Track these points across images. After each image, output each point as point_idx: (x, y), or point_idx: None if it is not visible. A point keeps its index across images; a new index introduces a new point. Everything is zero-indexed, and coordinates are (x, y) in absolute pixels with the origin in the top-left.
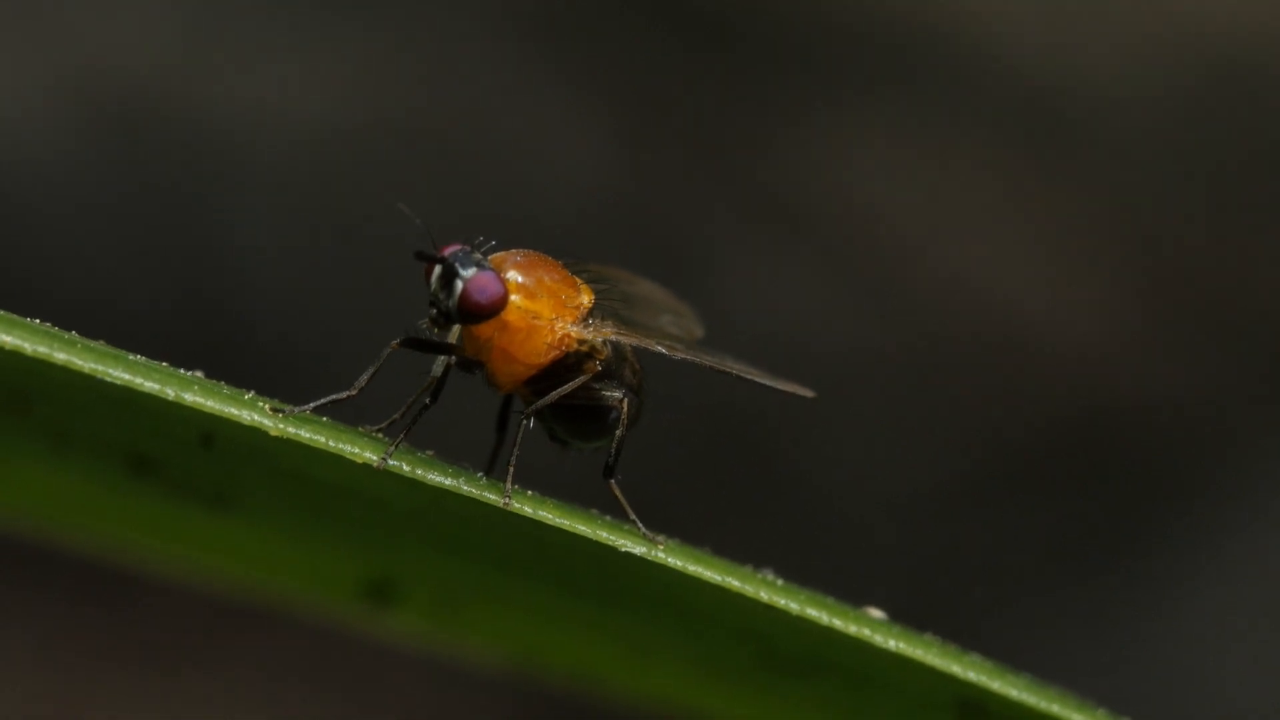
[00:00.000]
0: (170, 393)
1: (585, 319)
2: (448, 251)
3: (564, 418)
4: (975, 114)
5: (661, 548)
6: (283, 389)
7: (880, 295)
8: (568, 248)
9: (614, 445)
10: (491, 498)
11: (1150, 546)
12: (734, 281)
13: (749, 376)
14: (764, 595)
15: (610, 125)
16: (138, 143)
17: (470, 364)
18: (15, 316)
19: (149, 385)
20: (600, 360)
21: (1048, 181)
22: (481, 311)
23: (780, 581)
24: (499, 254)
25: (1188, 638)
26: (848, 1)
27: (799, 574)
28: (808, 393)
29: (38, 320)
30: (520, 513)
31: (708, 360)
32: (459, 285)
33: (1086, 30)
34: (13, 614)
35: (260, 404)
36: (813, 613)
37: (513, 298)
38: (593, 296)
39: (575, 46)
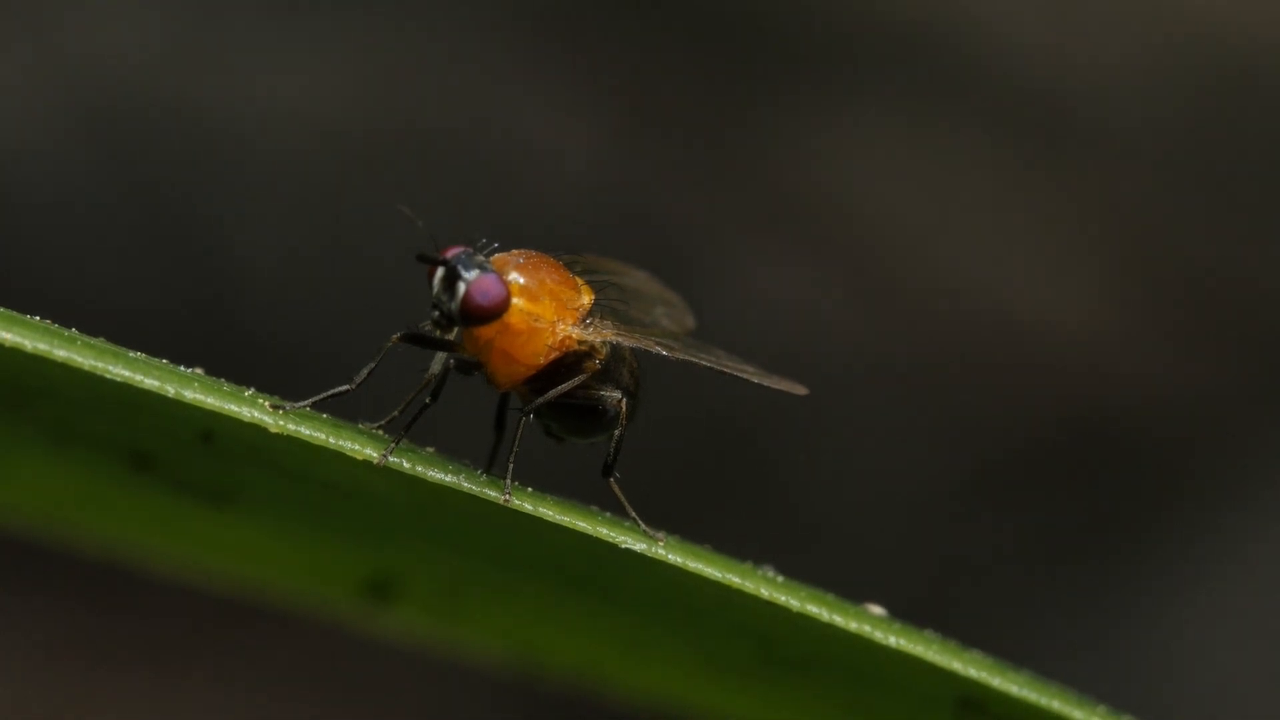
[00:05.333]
0: (170, 390)
1: (585, 320)
2: (450, 254)
3: (561, 416)
4: (976, 113)
5: (661, 544)
6: (283, 386)
7: (880, 294)
8: (567, 244)
9: (613, 444)
10: (492, 494)
11: (1150, 544)
12: (732, 278)
13: (742, 374)
14: (764, 592)
15: (610, 124)
16: (137, 141)
17: (469, 365)
18: (15, 313)
19: (149, 382)
20: (599, 360)
21: (1049, 181)
22: (484, 314)
23: (780, 578)
24: (500, 255)
25: (1187, 634)
26: (849, 1)
27: (799, 571)
28: (801, 389)
29: (37, 317)
30: (520, 509)
31: (704, 360)
32: (461, 288)
33: (1087, 30)
34: (10, 611)
35: (260, 401)
36: (813, 609)
37: (515, 300)
38: (593, 297)
39: (575, 45)
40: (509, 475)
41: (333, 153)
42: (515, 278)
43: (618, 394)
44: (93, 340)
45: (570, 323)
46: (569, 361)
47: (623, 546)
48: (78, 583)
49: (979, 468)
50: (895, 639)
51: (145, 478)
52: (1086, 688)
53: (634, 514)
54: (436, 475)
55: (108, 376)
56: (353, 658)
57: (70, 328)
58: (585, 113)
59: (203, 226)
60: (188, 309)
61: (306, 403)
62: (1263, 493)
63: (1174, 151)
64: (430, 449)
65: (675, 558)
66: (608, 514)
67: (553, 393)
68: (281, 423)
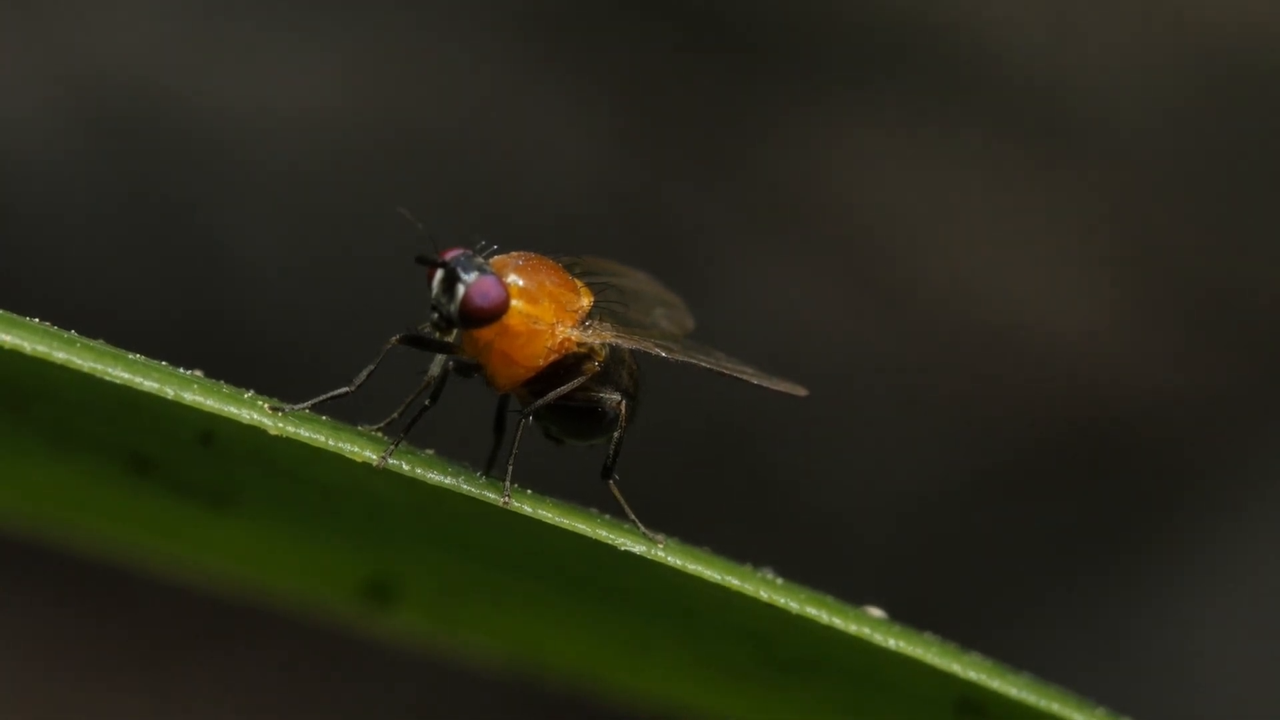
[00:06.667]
0: (170, 392)
1: (584, 322)
2: (449, 256)
3: (561, 418)
4: (979, 114)
5: (661, 546)
6: (282, 388)
7: (879, 293)
8: (566, 245)
9: (612, 446)
10: (491, 496)
11: (1149, 545)
12: (733, 279)
13: (742, 376)
14: (764, 594)
15: (610, 123)
16: (136, 145)
17: (468, 367)
18: (15, 316)
19: (148, 384)
20: (598, 362)
21: (1049, 180)
22: (483, 316)
23: (780, 580)
24: (500, 257)
25: (1186, 637)
26: (853, 1)
27: (798, 573)
28: (801, 391)
29: (37, 319)
30: (519, 511)
31: (704, 361)
32: (461, 290)
33: (1087, 28)
34: (9, 612)
35: (259, 403)
36: (812, 611)
37: (514, 302)
38: (592, 299)
39: (575, 45)
40: (508, 477)
41: (332, 154)
42: (514, 280)
43: (617, 396)
44: (92, 342)
45: (569, 325)
46: (568, 363)
47: (622, 548)
48: (77, 585)
49: (980, 470)
50: (894, 641)
51: (144, 480)
52: (1088, 690)
53: (633, 516)
54: (436, 477)
55: (107, 378)
56: (352, 660)
57: (70, 330)
58: (585, 114)
59: (203, 228)
60: (187, 311)
61: (306, 405)
62: (1267, 494)
63: (1177, 152)
64: (430, 451)
65: (674, 560)
66: (607, 516)
67: (552, 395)
68: (281, 425)
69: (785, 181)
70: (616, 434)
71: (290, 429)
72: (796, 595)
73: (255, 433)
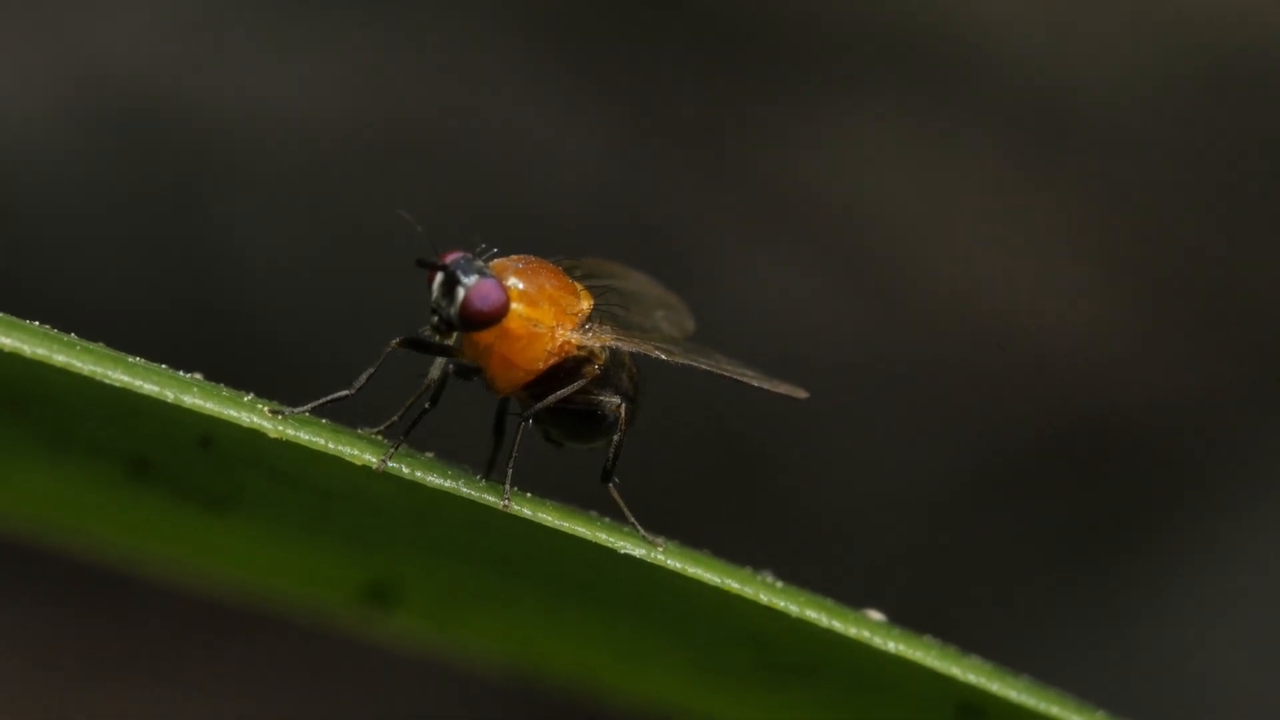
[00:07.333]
0: (169, 395)
1: (584, 325)
2: (449, 259)
3: (561, 421)
4: (979, 114)
5: (661, 550)
6: (282, 391)
7: (880, 295)
8: (567, 246)
9: (612, 449)
10: (491, 500)
11: (1149, 548)
12: (733, 280)
13: (743, 379)
14: (763, 597)
15: (611, 123)
16: (137, 145)
17: (468, 370)
18: (14, 319)
19: (148, 387)
20: (598, 365)
21: (1049, 180)
22: (483, 319)
23: (780, 584)
24: (500, 261)
25: (1187, 638)
26: (851, 1)
27: (798, 576)
28: (801, 394)
29: (37, 322)
30: (519, 515)
31: (704, 364)
32: (461, 293)
33: (1089, 29)
34: (10, 616)
35: (259, 406)
36: (812, 615)
37: (514, 305)
38: (592, 302)
39: (575, 45)
40: (508, 480)
41: (333, 156)
42: (514, 283)
43: (617, 399)
44: (92, 345)
45: (569, 328)
46: (568, 366)
47: (622, 552)
48: (76, 586)
49: (981, 471)
50: (894, 644)
51: (144, 483)
52: (1088, 690)
53: (633, 519)
54: (435, 480)
55: (107, 382)
56: (352, 663)
57: (69, 332)
58: (586, 116)
59: (202, 231)
60: (187, 313)
61: (306, 408)
62: (1267, 494)
63: (1177, 152)
64: (429, 454)
65: (674, 563)
66: (607, 519)
67: (552, 398)
68: (280, 428)
69: (785, 182)
70: (616, 437)
71: (290, 432)
72: (796, 598)
73: (255, 436)
